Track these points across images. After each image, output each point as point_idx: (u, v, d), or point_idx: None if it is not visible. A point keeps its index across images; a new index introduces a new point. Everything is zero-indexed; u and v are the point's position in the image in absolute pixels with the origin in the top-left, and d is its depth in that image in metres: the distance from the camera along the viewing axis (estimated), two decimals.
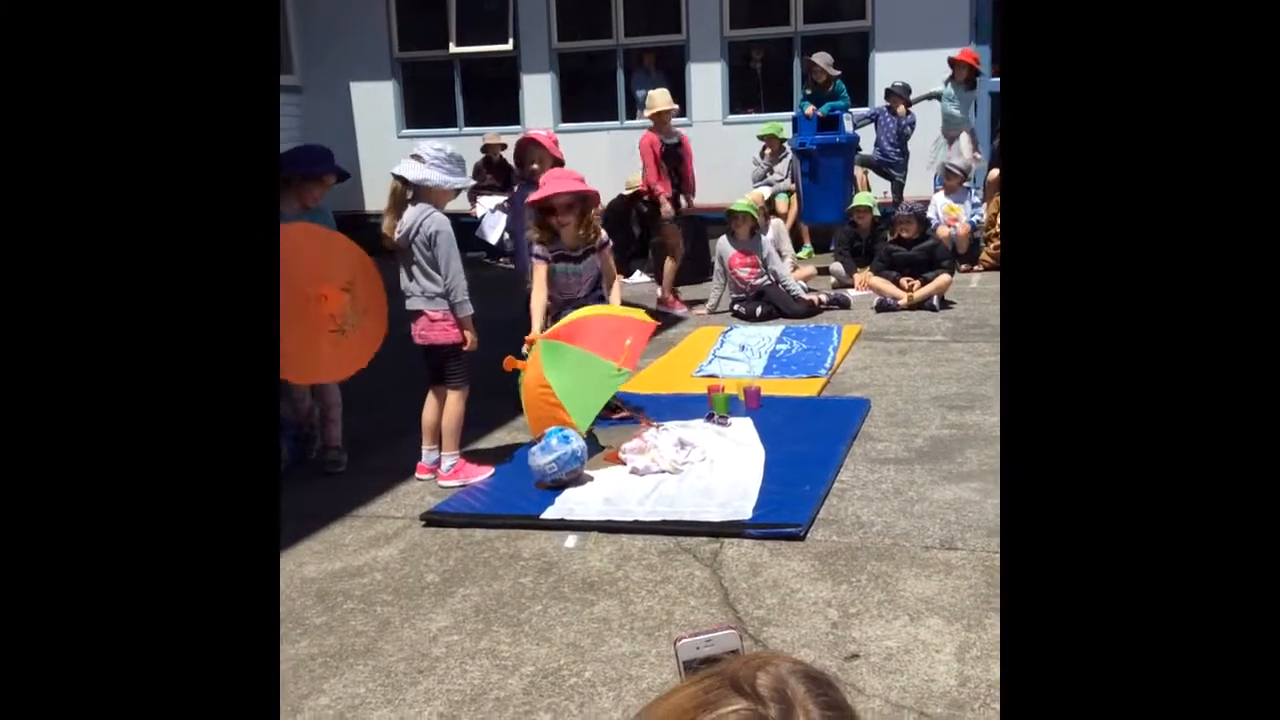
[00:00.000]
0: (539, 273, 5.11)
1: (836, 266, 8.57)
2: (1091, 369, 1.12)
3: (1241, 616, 1.01)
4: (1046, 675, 1.08)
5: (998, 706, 2.75)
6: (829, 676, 0.75)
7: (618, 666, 3.05)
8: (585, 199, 5.14)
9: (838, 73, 9.37)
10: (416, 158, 4.49)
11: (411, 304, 4.57)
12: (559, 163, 5.78)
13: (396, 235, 4.49)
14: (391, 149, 12.35)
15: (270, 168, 1.43)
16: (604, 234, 5.27)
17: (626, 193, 9.47)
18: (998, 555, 3.61)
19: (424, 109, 12.46)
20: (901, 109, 9.55)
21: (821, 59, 9.36)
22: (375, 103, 12.38)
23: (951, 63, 9.33)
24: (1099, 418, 1.11)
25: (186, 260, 1.26)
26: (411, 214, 4.48)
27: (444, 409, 4.64)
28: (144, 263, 1.24)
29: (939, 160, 9.35)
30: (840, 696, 0.72)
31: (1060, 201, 1.16)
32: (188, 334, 1.25)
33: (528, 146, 5.92)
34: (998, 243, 8.80)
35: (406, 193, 4.49)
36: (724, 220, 7.85)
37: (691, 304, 8.18)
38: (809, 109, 9.26)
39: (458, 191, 4.71)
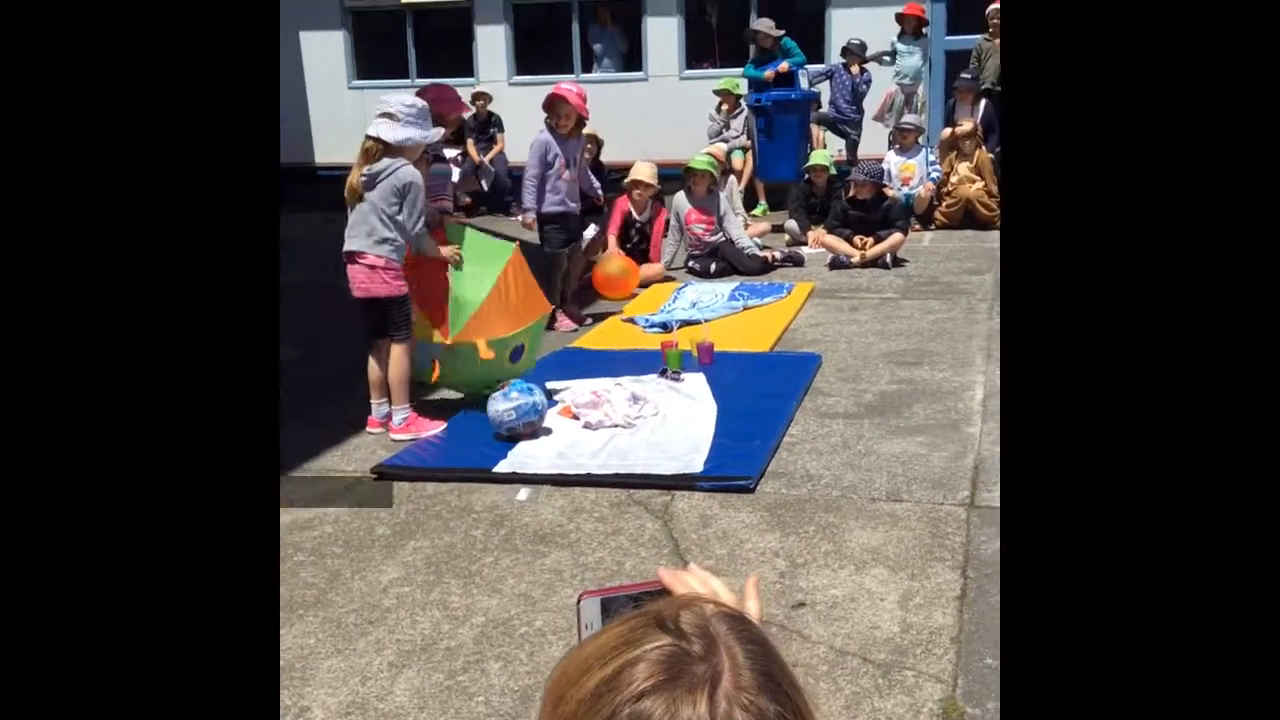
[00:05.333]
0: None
1: (791, 224, 8.57)
2: (1090, 343, 1.11)
3: (1242, 587, 1.02)
4: (1047, 641, 1.08)
5: (938, 653, 2.82)
6: (749, 618, 0.77)
7: (568, 616, 3.07)
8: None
9: (781, 32, 9.34)
10: (389, 116, 4.40)
11: (353, 244, 4.47)
12: (582, 120, 6.23)
13: (361, 180, 4.43)
14: (342, 100, 12.12)
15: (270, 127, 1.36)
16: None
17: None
18: (942, 507, 3.69)
19: (375, 60, 12.23)
20: (857, 68, 9.55)
21: (764, 25, 9.34)
22: (325, 53, 12.13)
23: (899, 17, 9.59)
24: (1098, 390, 1.11)
25: (186, 221, 1.22)
26: (383, 162, 4.43)
27: (390, 362, 4.61)
28: (142, 227, 1.20)
29: (895, 122, 9.38)
30: (762, 634, 0.74)
31: (1060, 179, 1.15)
32: (186, 291, 1.21)
33: (555, 101, 6.14)
34: (950, 201, 8.86)
35: (378, 150, 4.42)
36: (681, 177, 7.82)
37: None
38: (768, 74, 9.18)
39: (428, 146, 4.65)
